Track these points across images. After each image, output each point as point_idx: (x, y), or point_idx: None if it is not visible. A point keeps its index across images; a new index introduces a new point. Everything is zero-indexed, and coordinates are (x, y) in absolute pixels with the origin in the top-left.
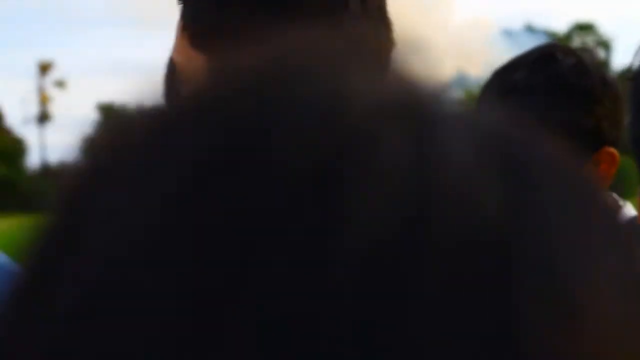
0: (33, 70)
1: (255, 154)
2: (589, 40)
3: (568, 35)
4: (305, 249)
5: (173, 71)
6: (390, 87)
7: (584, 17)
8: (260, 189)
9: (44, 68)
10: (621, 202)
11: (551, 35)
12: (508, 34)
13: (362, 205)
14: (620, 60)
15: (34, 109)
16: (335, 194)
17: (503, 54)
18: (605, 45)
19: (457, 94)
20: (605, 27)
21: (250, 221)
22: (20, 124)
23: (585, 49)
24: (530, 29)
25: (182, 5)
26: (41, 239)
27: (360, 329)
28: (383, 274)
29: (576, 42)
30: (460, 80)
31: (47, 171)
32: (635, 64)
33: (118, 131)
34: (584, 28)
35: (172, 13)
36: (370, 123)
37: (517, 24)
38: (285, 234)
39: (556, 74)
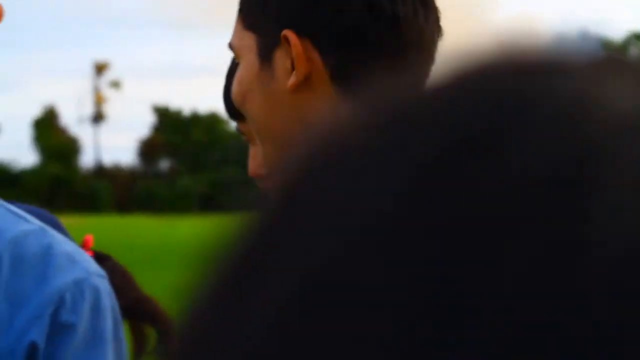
0: (89, 70)
1: (494, 154)
2: None
3: (624, 45)
4: (550, 258)
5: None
6: (631, 93)
7: None
8: (501, 190)
9: (100, 68)
10: None
11: (606, 43)
12: (561, 39)
13: (610, 214)
14: None
15: (89, 109)
16: (581, 201)
17: None
18: None
19: None
20: None
21: (489, 223)
22: (75, 123)
23: None
24: (584, 36)
25: None
26: (249, 236)
27: (609, 339)
28: (633, 282)
29: (632, 51)
30: None
31: (100, 171)
32: None
33: (341, 126)
34: None
35: (230, 15)
36: (613, 130)
37: (570, 30)
38: (528, 238)
39: None
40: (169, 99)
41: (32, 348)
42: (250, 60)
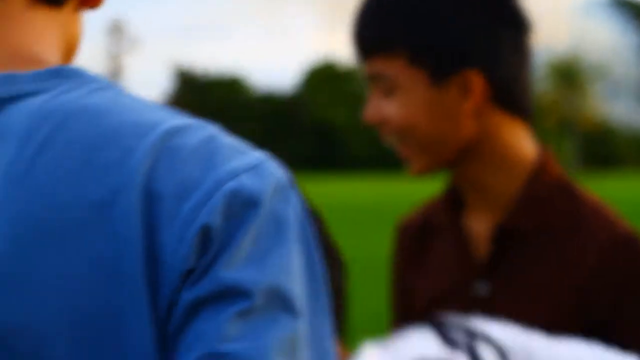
0: (105, 30)
1: None
2: None
3: None
4: None
5: None
6: None
7: None
8: None
9: (117, 28)
10: None
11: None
12: (593, 5)
13: None
14: None
15: (104, 69)
16: None
17: (589, 27)
18: None
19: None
20: None
21: None
22: None
23: None
24: (617, 2)
25: None
26: None
27: None
28: None
29: None
30: (547, 53)
31: None
32: None
33: None
34: None
35: None
36: None
37: None
38: None
39: None
40: (187, 60)
41: (204, 231)
42: (418, 90)
